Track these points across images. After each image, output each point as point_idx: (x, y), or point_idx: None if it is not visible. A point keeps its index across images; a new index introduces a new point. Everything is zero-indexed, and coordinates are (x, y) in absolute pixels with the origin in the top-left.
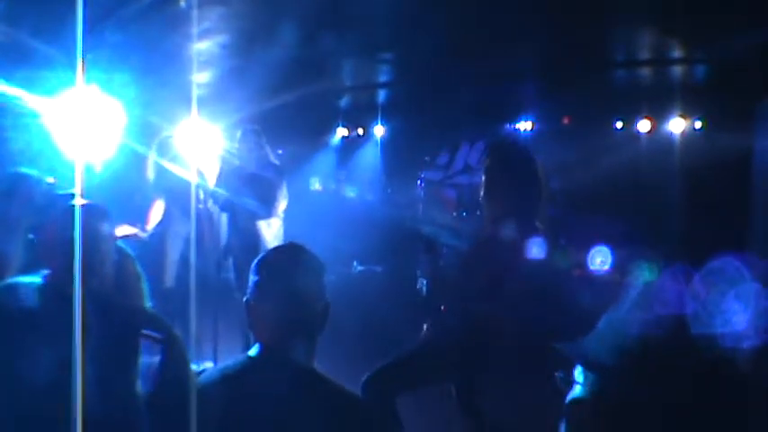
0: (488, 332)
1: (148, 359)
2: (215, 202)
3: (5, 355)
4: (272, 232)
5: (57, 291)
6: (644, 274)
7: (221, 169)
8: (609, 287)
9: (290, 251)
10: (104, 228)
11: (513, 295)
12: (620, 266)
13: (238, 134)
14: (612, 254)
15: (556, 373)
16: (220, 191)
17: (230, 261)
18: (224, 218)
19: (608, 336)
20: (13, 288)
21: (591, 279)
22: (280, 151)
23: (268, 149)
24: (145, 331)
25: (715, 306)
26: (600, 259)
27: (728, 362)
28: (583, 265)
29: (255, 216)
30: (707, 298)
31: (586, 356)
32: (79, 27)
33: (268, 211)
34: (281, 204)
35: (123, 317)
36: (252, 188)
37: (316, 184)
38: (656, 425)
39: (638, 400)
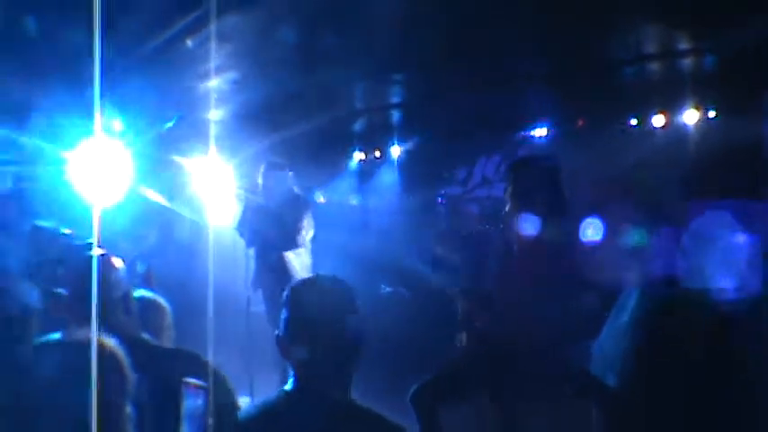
0: (523, 341)
1: (194, 404)
2: (241, 236)
3: (44, 413)
4: (300, 262)
5: (90, 345)
6: (635, 239)
7: (246, 204)
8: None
9: (317, 284)
10: (119, 277)
11: (551, 304)
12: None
13: (262, 168)
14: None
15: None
16: (244, 227)
17: (260, 294)
18: (251, 251)
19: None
20: (49, 346)
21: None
22: (291, 185)
23: (292, 181)
24: (188, 379)
25: (705, 262)
26: (591, 231)
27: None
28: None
29: (282, 248)
30: (696, 255)
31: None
32: (96, 75)
33: (294, 243)
34: (308, 234)
35: (164, 362)
36: (276, 221)
37: (320, 198)
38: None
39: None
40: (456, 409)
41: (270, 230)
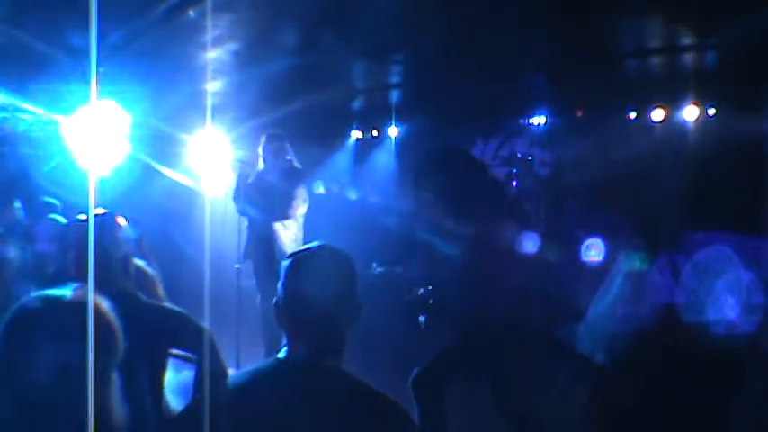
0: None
1: (182, 374)
2: (236, 205)
3: (35, 365)
4: (289, 235)
5: (86, 300)
6: (634, 264)
7: (240, 175)
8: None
9: (319, 252)
10: (122, 236)
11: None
12: (614, 256)
13: (262, 139)
14: (611, 245)
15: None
16: (239, 197)
17: (251, 266)
18: (244, 223)
19: (599, 328)
20: (43, 300)
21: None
22: (289, 157)
23: (291, 153)
24: (176, 350)
25: (707, 294)
26: (593, 251)
27: (722, 349)
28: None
29: (272, 218)
30: (699, 287)
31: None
32: (93, 41)
33: (283, 214)
34: (301, 208)
35: (157, 318)
36: (269, 191)
37: (320, 188)
38: (656, 411)
39: (636, 389)
40: (456, 392)
41: (262, 200)
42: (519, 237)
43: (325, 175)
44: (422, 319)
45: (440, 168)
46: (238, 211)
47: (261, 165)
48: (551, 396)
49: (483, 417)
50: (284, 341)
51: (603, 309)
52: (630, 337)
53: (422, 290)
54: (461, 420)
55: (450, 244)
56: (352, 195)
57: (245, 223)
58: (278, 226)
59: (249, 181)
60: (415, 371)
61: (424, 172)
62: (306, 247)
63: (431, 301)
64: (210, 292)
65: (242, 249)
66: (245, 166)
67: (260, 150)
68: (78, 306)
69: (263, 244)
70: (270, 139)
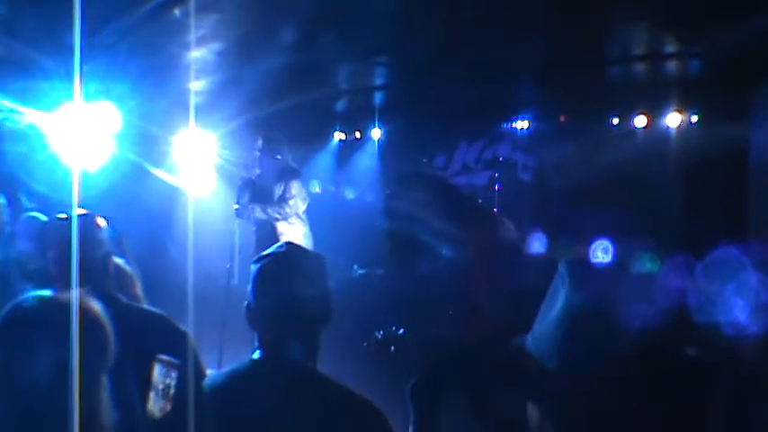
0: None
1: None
2: (238, 205)
3: (23, 368)
4: (295, 232)
5: (69, 302)
6: (645, 266)
7: (242, 179)
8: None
9: (285, 253)
10: (103, 237)
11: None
12: (621, 259)
13: (259, 141)
14: (614, 247)
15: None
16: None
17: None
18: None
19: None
20: (38, 301)
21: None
22: (278, 156)
23: (287, 154)
24: (155, 353)
25: (717, 296)
26: (601, 252)
27: (730, 351)
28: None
29: (274, 219)
30: (708, 288)
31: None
32: (77, 40)
33: (284, 214)
34: (300, 205)
35: (137, 321)
36: (266, 193)
37: (315, 187)
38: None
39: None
40: (452, 400)
41: (260, 202)
42: (503, 244)
43: (308, 176)
44: (392, 348)
45: (415, 186)
46: (237, 215)
47: (258, 166)
48: (545, 405)
49: (478, 425)
50: (256, 343)
51: (548, 321)
52: (584, 345)
53: (381, 333)
54: (456, 429)
55: (441, 249)
56: (335, 197)
57: (250, 225)
58: (282, 225)
59: (251, 184)
60: (413, 379)
61: (400, 192)
62: (272, 249)
63: (400, 332)
64: (196, 292)
65: (252, 253)
66: (245, 170)
67: (257, 152)
68: (72, 308)
69: (268, 244)
70: (267, 140)
